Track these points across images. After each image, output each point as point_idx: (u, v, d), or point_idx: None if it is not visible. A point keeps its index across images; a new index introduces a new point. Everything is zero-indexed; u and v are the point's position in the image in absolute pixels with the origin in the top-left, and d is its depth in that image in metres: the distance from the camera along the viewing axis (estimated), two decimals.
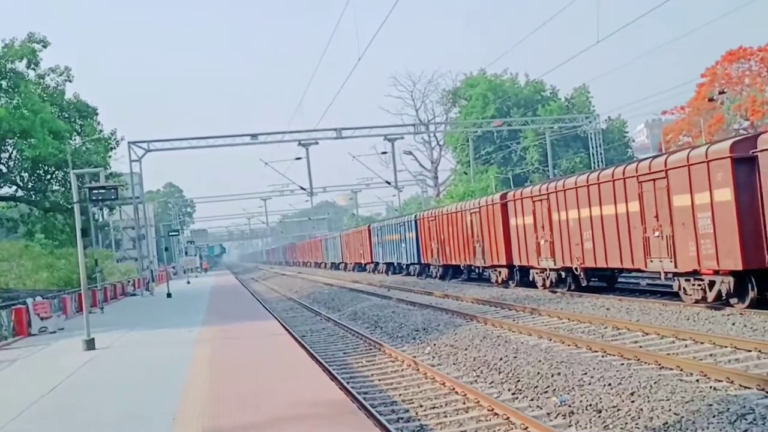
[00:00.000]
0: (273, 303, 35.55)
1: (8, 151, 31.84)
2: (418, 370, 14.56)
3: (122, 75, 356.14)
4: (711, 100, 48.85)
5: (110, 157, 35.69)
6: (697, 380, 10.62)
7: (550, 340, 15.64)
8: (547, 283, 25.67)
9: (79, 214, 16.19)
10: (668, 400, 9.53)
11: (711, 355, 12.42)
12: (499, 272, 30.00)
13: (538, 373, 12.45)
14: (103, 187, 15.16)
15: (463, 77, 69.96)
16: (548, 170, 60.31)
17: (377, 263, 53.13)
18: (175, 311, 28.81)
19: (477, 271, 34.36)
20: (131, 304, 36.53)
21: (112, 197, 15.17)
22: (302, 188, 43.94)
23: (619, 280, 25.08)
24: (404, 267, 46.04)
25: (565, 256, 23.70)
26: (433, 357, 16.02)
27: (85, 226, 31.53)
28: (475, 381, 13.17)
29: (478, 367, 14.03)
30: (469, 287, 31.20)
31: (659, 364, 11.81)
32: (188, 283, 54.51)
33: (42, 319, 22.86)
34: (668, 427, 8.71)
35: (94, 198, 15.63)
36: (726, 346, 12.75)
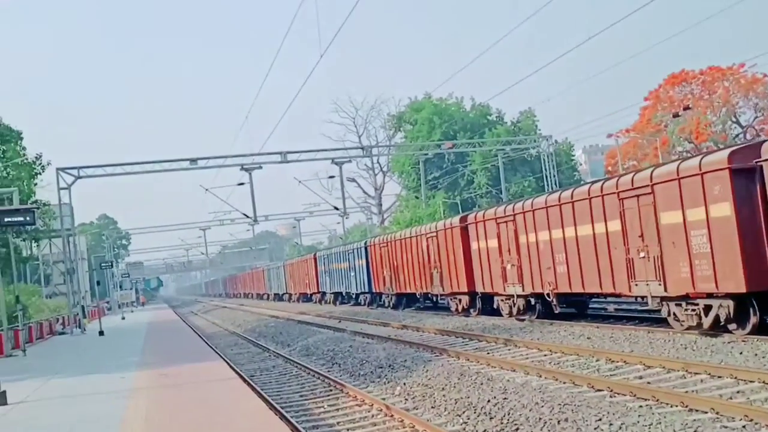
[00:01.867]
0: (216, 338, 33.01)
1: None
2: (391, 416, 12.53)
3: (50, 97, 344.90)
4: (676, 115, 48.40)
5: (35, 184, 32.80)
6: (744, 426, 8.87)
7: (540, 376, 13.80)
8: (514, 310, 23.97)
9: None
10: None
11: (740, 392, 10.74)
12: (459, 300, 28.21)
13: (540, 419, 10.58)
14: (16, 210, 12.82)
15: (408, 101, 68.70)
16: (498, 194, 59.22)
17: (324, 293, 50.92)
18: (107, 352, 26.04)
19: (434, 299, 32.56)
20: (59, 345, 33.41)
21: (27, 221, 12.83)
22: (245, 215, 41.59)
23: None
24: (354, 296, 43.96)
25: (535, 282, 22.05)
26: (406, 399, 14.01)
27: (5, 257, 28.62)
28: (464, 430, 11.21)
29: (463, 411, 12.10)
30: (428, 317, 29.33)
31: (686, 406, 10.04)
32: (123, 318, 51.24)
33: None
34: None
35: (6, 223, 13.22)
36: (752, 381, 11.10)
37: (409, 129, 66.79)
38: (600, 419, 9.84)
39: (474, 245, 26.08)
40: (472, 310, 27.42)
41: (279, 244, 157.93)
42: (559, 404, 11.02)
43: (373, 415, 12.97)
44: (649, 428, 9.08)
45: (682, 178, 15.45)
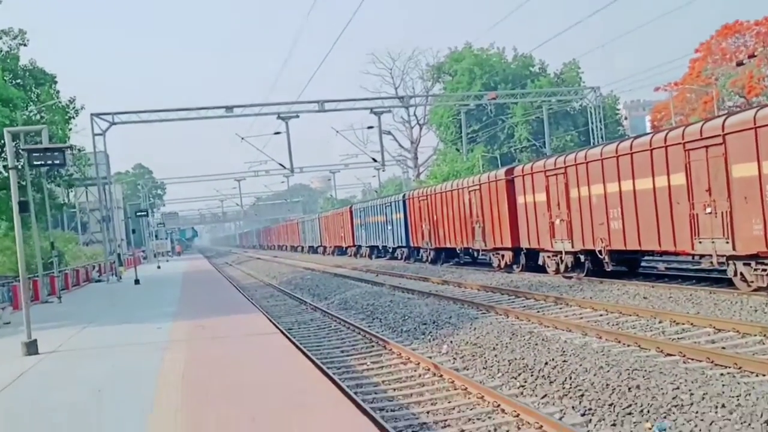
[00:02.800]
0: (251, 290, 32.53)
1: None
2: (441, 376, 11.71)
3: (85, 44, 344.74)
4: (740, 64, 45.78)
5: (70, 129, 32.19)
6: None
7: (600, 338, 12.86)
8: (561, 267, 22.95)
9: (15, 183, 12.92)
10: None
11: None
12: (502, 256, 27.23)
13: (607, 384, 9.66)
14: (46, 149, 12.05)
15: (448, 52, 66.93)
16: (539, 148, 57.71)
17: (359, 246, 50.18)
18: (143, 301, 25.60)
19: (474, 254, 31.62)
20: (95, 292, 33.20)
21: (57, 161, 12.06)
22: (282, 165, 40.83)
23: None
24: (390, 250, 43.17)
25: (586, 238, 20.97)
26: (454, 358, 13.18)
27: (39, 203, 28.15)
28: (521, 394, 10.36)
29: (519, 374, 11.23)
30: (469, 272, 28.42)
31: None
32: (158, 267, 51.08)
33: None
34: None
35: (36, 162, 12.47)
36: None
37: (448, 80, 65.15)
38: (677, 387, 8.89)
39: (520, 199, 24.98)
40: (515, 267, 26.46)
41: (312, 197, 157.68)
42: (627, 369, 10.08)
43: (420, 375, 12.17)
44: (738, 399, 8.11)
45: (759, 127, 14.18)
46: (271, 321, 16.84)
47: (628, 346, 11.98)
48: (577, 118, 60.29)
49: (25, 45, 31.74)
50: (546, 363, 11.34)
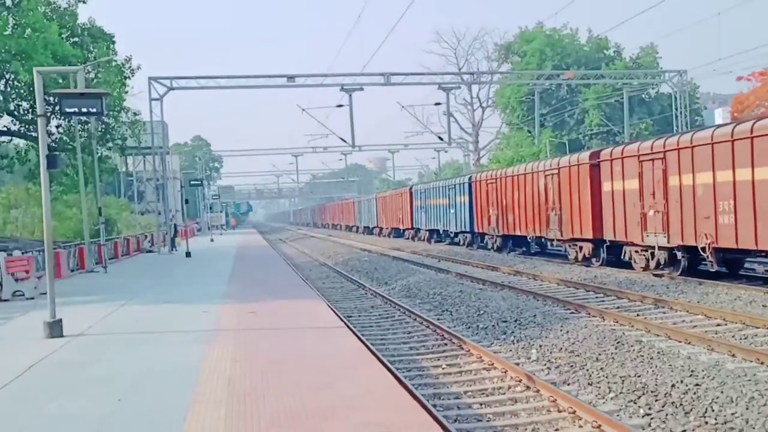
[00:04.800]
0: (306, 269, 30.80)
1: (4, 75, 26.99)
2: (537, 392, 9.62)
3: (147, 7, 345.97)
4: None
5: (126, 91, 30.81)
6: None
7: (733, 356, 10.57)
8: (652, 264, 20.55)
9: (43, 133, 11.08)
10: None
11: None
12: (580, 247, 24.88)
13: None
14: (81, 95, 10.28)
15: (518, 31, 64.02)
16: (612, 135, 54.70)
17: (418, 230, 48.13)
18: (192, 276, 23.99)
19: (546, 244, 29.32)
20: (143, 263, 31.89)
21: (93, 109, 10.28)
22: (343, 140, 38.92)
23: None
24: (451, 235, 41.02)
25: (686, 232, 18.53)
26: (548, 368, 11.07)
27: (90, 165, 26.74)
28: (649, 426, 8.21)
29: (638, 396, 9.08)
30: (542, 264, 26.13)
31: None
32: (212, 241, 49.88)
33: (17, 280, 17.97)
34: None
35: (68, 109, 10.69)
36: None
37: (517, 61, 62.29)
38: None
39: (606, 186, 22.57)
40: (594, 260, 24.11)
41: (368, 177, 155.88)
42: None
43: (509, 387, 10.10)
44: None
45: None
46: (333, 310, 14.90)
47: None
48: (653, 105, 57.03)
49: (84, 2, 30.46)
50: (673, 385, 9.17)
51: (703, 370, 9.62)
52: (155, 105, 35.22)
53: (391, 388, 7.82)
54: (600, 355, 11.16)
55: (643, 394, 9.13)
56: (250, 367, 8.74)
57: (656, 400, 8.82)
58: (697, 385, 9.05)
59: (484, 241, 35.00)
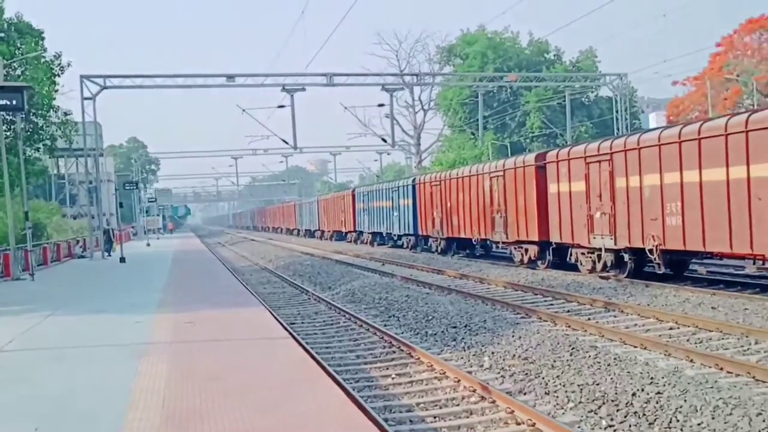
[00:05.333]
0: (246, 274, 29.92)
1: None
2: (494, 402, 9.14)
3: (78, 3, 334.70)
4: None
5: (56, 90, 29.40)
6: None
7: (692, 361, 10.28)
8: (598, 266, 20.41)
9: None
10: None
11: None
12: (526, 250, 24.67)
13: None
14: (1, 88, 9.33)
15: (459, 34, 64.06)
16: (552, 138, 55.15)
17: (361, 232, 47.60)
18: (125, 282, 22.86)
19: (493, 246, 29.10)
20: (75, 270, 30.46)
21: (14, 105, 9.35)
22: (285, 141, 38.06)
23: None
24: (394, 238, 40.60)
25: (633, 234, 18.42)
26: (502, 376, 10.61)
27: (16, 167, 25.32)
28: None
29: (598, 406, 8.68)
30: (488, 266, 25.84)
31: None
32: (148, 245, 48.32)
33: None
34: None
35: None
36: None
37: (459, 63, 62.31)
38: None
39: (552, 188, 22.39)
40: (539, 263, 23.93)
41: (308, 180, 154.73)
42: (760, 413, 7.55)
43: (464, 398, 9.59)
44: None
45: None
46: (276, 318, 14.17)
47: (738, 376, 9.41)
48: (592, 108, 57.77)
49: None
50: (633, 394, 8.80)
51: (662, 377, 9.28)
52: (88, 104, 33.70)
53: (342, 406, 7.18)
54: (555, 362, 10.76)
55: (604, 403, 8.73)
56: (188, 386, 7.95)
57: (618, 410, 8.42)
58: (658, 393, 8.69)
59: (428, 244, 34.66)
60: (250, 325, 12.56)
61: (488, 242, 28.47)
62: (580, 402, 8.94)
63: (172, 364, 9.07)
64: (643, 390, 8.86)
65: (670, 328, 12.89)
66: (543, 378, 10.11)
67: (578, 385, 9.49)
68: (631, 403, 8.53)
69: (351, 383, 10.39)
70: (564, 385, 9.63)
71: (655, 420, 7.96)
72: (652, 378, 9.30)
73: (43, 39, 29.96)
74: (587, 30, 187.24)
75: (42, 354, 10.49)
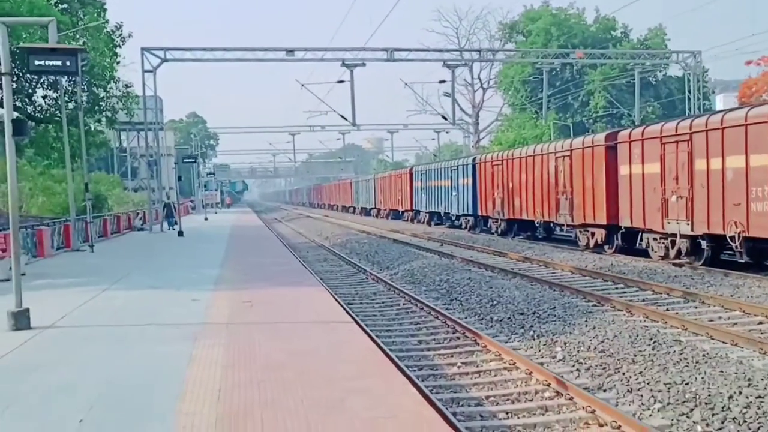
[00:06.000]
0: (303, 250, 29.57)
1: None
2: (571, 399, 8.42)
3: None
4: None
5: (117, 62, 29.32)
6: None
7: None
8: (672, 253, 19.34)
9: (8, 93, 9.68)
10: None
11: None
12: (592, 234, 23.67)
13: None
14: (53, 50, 8.95)
15: (523, 10, 62.36)
16: (617, 118, 53.37)
17: (418, 212, 46.88)
18: (183, 257, 22.63)
19: (556, 229, 28.13)
20: (133, 243, 30.53)
21: (67, 68, 8.97)
22: (343, 117, 37.53)
23: None
24: (452, 218, 39.78)
25: (713, 220, 17.32)
26: (577, 369, 9.86)
27: (76, 138, 25.30)
28: None
29: (690, 408, 7.89)
30: (551, 250, 24.90)
31: None
32: (206, 219, 48.50)
33: None
34: None
35: (37, 68, 9.36)
36: None
37: (521, 41, 60.69)
38: None
39: (623, 169, 21.30)
40: (606, 247, 22.91)
41: (364, 158, 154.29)
42: None
43: (536, 392, 8.90)
44: None
45: None
46: (337, 300, 13.64)
47: None
48: (660, 88, 55.61)
49: None
50: (730, 397, 7.97)
51: (762, 379, 8.42)
52: (148, 77, 33.70)
53: (417, 406, 6.53)
54: (636, 356, 9.96)
55: (696, 406, 7.93)
56: (245, 376, 7.37)
57: (713, 415, 7.62)
58: (759, 397, 7.86)
59: (488, 225, 33.80)
60: (311, 306, 12.02)
61: (551, 225, 27.50)
62: (669, 403, 8.15)
63: (228, 350, 8.53)
64: (740, 392, 8.04)
65: (760, 323, 11.92)
66: (624, 374, 9.34)
67: (665, 384, 8.70)
68: (729, 408, 7.72)
69: (414, 371, 9.80)
70: (648, 383, 8.85)
71: (759, 429, 7.14)
72: (749, 379, 8.45)
73: (105, 10, 29.89)
74: (656, 6, 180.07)
75: (94, 332, 10.10)
